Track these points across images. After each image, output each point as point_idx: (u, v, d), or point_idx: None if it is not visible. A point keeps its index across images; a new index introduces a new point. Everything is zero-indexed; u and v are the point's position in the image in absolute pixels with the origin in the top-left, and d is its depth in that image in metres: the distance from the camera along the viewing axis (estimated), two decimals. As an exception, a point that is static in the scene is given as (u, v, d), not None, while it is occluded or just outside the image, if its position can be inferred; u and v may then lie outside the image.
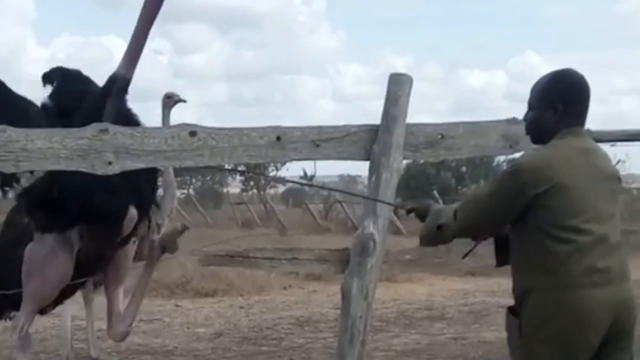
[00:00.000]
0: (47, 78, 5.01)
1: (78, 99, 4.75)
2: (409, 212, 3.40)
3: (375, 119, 3.89)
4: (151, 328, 9.06)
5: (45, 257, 4.83)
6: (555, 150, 2.96)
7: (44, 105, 4.89)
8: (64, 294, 5.22)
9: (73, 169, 3.42)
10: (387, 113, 3.84)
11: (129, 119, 4.67)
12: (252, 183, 42.47)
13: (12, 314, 5.27)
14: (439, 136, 3.97)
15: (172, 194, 7.07)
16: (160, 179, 5.29)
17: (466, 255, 3.55)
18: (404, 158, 3.94)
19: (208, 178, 51.60)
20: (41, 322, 9.08)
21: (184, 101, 6.89)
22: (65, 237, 4.80)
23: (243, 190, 48.47)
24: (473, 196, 3.25)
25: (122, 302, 5.23)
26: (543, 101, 3.03)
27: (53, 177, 4.40)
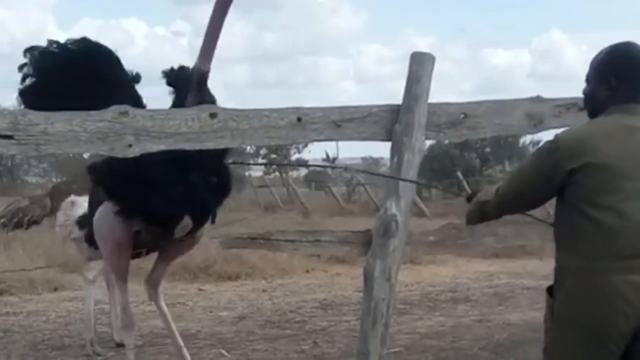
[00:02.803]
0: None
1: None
2: (468, 199, 3.38)
3: (397, 99, 3.84)
4: (174, 312, 9.06)
5: (103, 220, 5.32)
6: (595, 126, 2.91)
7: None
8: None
9: (93, 151, 3.41)
10: (408, 92, 3.79)
11: None
12: (274, 166, 42.54)
13: None
14: (462, 115, 3.92)
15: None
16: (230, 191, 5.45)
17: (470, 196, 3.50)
18: (427, 138, 3.89)
19: (230, 161, 51.78)
20: (65, 306, 9.18)
21: None
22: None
23: (265, 173, 48.56)
24: (514, 172, 3.20)
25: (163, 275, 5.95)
26: (598, 75, 2.98)
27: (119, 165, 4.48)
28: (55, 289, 10.19)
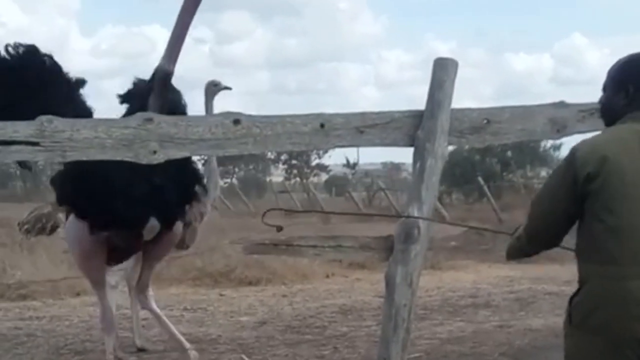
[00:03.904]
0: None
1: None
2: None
3: (419, 104, 3.85)
4: (195, 317, 9.12)
5: (71, 232, 5.32)
6: (612, 134, 2.90)
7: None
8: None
9: (118, 158, 3.44)
10: (431, 98, 3.80)
11: (174, 110, 4.75)
12: (295, 172, 42.72)
13: None
14: (485, 121, 3.92)
15: (215, 183, 7.09)
16: (197, 192, 5.41)
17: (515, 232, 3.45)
18: (449, 144, 3.89)
19: (251, 167, 52.03)
20: (87, 311, 9.22)
21: (229, 88, 6.93)
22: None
23: (286, 179, 48.74)
24: (537, 196, 3.17)
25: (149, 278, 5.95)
26: (615, 83, 2.98)
27: (80, 172, 4.50)
28: (78, 294, 10.25)
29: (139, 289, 5.94)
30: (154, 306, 5.83)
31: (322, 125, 3.64)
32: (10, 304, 9.71)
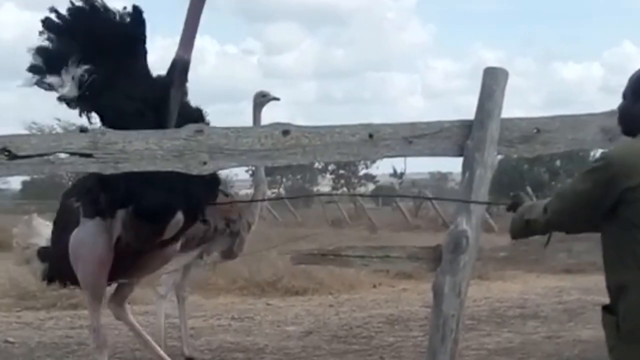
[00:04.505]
0: None
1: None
2: (509, 209, 3.37)
3: (466, 114, 3.86)
4: (242, 326, 9.16)
5: (84, 240, 5.02)
6: None
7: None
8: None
9: (169, 169, 3.48)
10: (481, 108, 3.79)
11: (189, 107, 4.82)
12: (342, 181, 42.76)
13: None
14: (535, 130, 3.90)
15: (262, 192, 7.14)
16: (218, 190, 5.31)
17: (547, 243, 3.44)
18: (499, 153, 3.88)
19: (299, 177, 52.27)
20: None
21: (278, 99, 6.97)
22: (106, 224, 4.94)
23: (333, 189, 48.80)
24: (562, 190, 3.17)
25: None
26: (635, 92, 2.95)
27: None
28: (127, 303, 10.35)
29: (117, 302, 5.71)
30: (131, 317, 5.73)
31: (370, 136, 3.66)
32: (61, 313, 9.85)
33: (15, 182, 48.58)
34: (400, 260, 4.21)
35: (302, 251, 4.77)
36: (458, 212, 3.95)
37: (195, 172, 3.49)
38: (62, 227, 5.35)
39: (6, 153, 3.19)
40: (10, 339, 8.20)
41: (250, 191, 6.41)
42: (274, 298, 11.09)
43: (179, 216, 4.79)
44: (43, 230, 6.02)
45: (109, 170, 3.40)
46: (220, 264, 8.30)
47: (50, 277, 5.73)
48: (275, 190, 44.26)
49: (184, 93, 4.81)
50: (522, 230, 3.21)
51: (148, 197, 4.59)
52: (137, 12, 4.84)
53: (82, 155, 3.27)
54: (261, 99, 6.83)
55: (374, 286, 12.23)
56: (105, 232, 4.95)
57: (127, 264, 5.24)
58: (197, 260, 7.34)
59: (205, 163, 3.45)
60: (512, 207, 3.35)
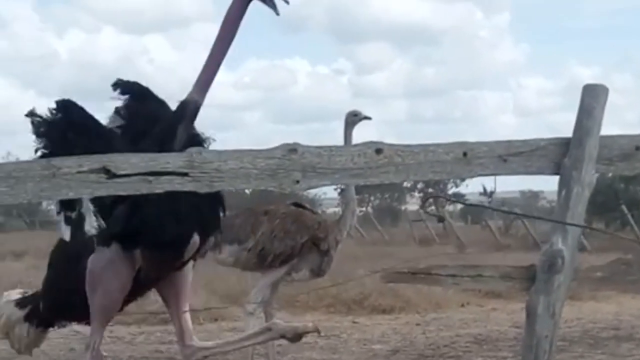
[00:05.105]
0: (121, 89, 5.12)
1: (152, 122, 4.88)
2: None
3: (559, 132, 3.78)
4: (328, 344, 9.17)
5: (105, 267, 4.89)
6: None
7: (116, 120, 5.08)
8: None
9: (262, 188, 3.51)
10: (579, 125, 3.71)
11: (199, 144, 4.83)
12: (430, 200, 42.56)
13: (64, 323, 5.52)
14: (635, 148, 3.79)
15: (352, 211, 7.17)
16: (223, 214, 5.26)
17: None
18: (597, 171, 3.79)
19: (386, 196, 52.30)
20: (224, 337, 9.40)
21: (369, 118, 7.08)
22: (127, 253, 4.85)
23: (421, 207, 48.53)
24: None
25: (189, 320, 5.29)
26: None
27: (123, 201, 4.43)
28: (216, 320, 10.50)
29: (187, 340, 5.25)
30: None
31: (464, 154, 3.61)
32: (152, 328, 10.04)
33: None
34: (493, 280, 4.14)
35: (392, 269, 4.73)
36: (553, 231, 3.86)
37: (287, 190, 3.51)
38: (67, 260, 5.17)
39: (105, 172, 3.26)
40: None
41: (338, 209, 6.41)
42: (361, 316, 11.09)
43: (195, 238, 4.83)
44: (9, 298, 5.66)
45: (204, 189, 3.44)
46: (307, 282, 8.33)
47: (41, 320, 5.42)
48: (363, 209, 44.28)
49: (192, 135, 4.84)
50: None
51: (166, 228, 4.63)
52: None
53: (178, 174, 3.32)
54: (353, 118, 6.95)
55: (462, 305, 12.10)
56: (125, 257, 4.88)
57: (143, 290, 5.23)
58: (285, 277, 7.39)
59: (297, 182, 3.46)
60: None
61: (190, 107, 4.71)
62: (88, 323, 5.10)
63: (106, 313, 5.05)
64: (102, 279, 4.91)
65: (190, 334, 5.26)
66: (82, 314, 5.10)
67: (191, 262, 5.20)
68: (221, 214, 5.05)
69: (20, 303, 5.52)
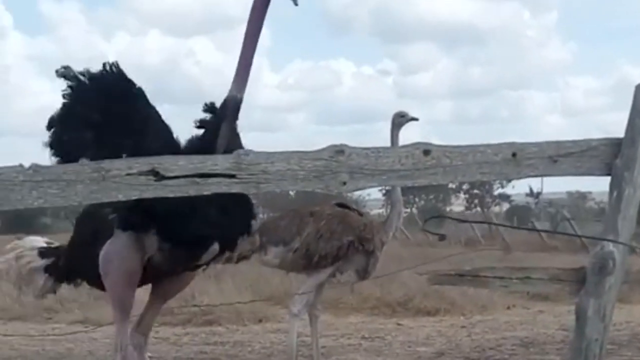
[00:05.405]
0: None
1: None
2: None
3: (608, 132, 3.72)
4: (372, 346, 9.14)
5: (116, 252, 4.96)
6: None
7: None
8: None
9: (309, 189, 3.50)
10: (632, 124, 3.64)
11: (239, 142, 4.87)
12: (475, 201, 42.32)
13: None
14: (690, 148, 3.71)
15: (398, 212, 7.17)
16: (254, 221, 5.27)
17: None
18: (650, 172, 3.71)
19: (431, 197, 52.16)
20: (268, 338, 9.46)
21: (416, 119, 7.12)
22: (140, 238, 4.91)
23: (467, 209, 48.29)
24: None
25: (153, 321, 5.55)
26: None
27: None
28: (260, 321, 10.54)
29: (143, 331, 5.40)
30: (146, 355, 5.55)
31: (514, 155, 3.58)
32: (196, 329, 10.11)
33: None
34: (542, 282, 4.09)
35: (439, 271, 4.70)
36: (605, 233, 3.81)
37: (334, 192, 3.50)
38: (91, 232, 5.23)
39: (154, 174, 3.28)
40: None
41: (382, 211, 6.40)
42: (405, 318, 11.03)
43: (215, 246, 4.91)
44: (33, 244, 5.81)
45: (251, 191, 3.46)
46: (351, 283, 8.33)
47: (59, 274, 5.56)
48: (408, 210, 44.21)
49: (234, 132, 4.87)
50: None
51: (191, 228, 4.69)
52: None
53: (226, 176, 3.33)
54: (400, 119, 6.98)
55: (508, 307, 11.98)
56: (139, 247, 4.94)
57: (152, 282, 5.28)
58: (330, 279, 7.39)
59: (344, 183, 3.45)
60: None
61: (230, 104, 4.79)
62: (102, 288, 5.17)
63: (121, 303, 5.05)
64: (112, 264, 4.97)
65: (148, 332, 5.47)
66: (96, 276, 5.11)
67: (201, 269, 5.31)
68: (248, 231, 5.14)
69: (43, 252, 5.65)
